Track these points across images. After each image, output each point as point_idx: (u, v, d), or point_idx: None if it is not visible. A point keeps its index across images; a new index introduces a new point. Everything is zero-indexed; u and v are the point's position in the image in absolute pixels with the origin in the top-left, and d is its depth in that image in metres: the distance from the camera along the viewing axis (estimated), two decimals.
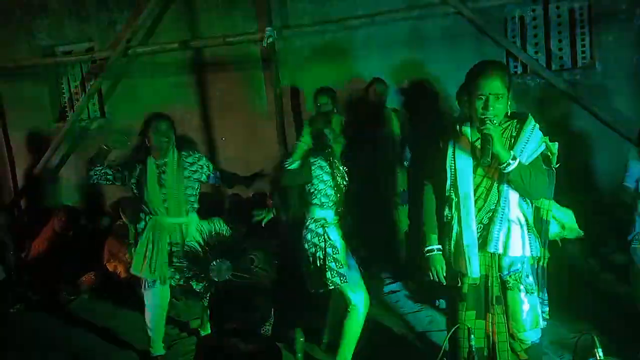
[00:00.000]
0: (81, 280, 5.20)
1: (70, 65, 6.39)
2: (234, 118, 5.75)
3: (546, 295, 2.61)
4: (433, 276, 2.65)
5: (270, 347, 1.57)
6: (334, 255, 3.20)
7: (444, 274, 2.63)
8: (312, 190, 3.26)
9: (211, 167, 3.79)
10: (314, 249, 3.22)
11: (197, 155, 3.73)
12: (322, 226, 3.24)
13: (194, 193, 3.68)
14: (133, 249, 5.01)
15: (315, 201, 3.26)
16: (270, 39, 5.20)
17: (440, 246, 2.65)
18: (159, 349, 3.76)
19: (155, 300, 3.68)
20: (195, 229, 3.50)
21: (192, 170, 3.67)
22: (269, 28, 5.19)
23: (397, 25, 5.08)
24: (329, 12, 5.25)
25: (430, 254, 2.65)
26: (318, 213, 3.27)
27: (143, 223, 3.63)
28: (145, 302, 3.72)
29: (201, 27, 5.68)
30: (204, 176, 3.72)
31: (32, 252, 5.36)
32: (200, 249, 2.70)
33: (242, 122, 5.72)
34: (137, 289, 4.82)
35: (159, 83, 5.91)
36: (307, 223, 3.28)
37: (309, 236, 3.25)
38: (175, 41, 5.64)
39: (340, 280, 3.17)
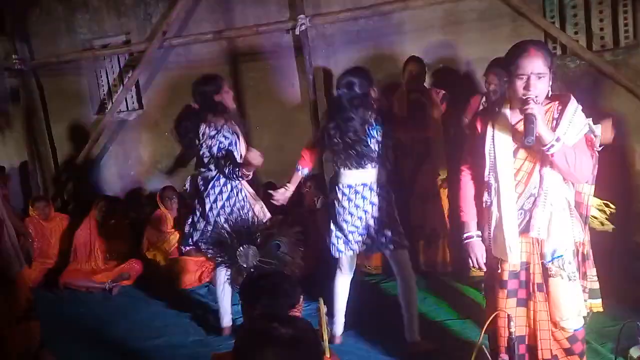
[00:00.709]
0: (122, 268, 5.34)
1: (108, 59, 6.52)
2: (268, 107, 5.78)
3: (596, 285, 2.55)
4: (473, 263, 2.62)
5: (308, 331, 1.57)
6: None
7: (484, 261, 2.60)
8: None
9: None
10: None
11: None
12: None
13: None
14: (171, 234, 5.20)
15: None
16: (303, 27, 5.20)
17: (479, 232, 2.61)
18: (227, 320, 3.92)
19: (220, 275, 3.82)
20: None
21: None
22: (301, 16, 5.19)
23: (431, 10, 4.99)
24: None
25: (469, 240, 2.63)
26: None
27: None
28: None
29: (235, 17, 5.70)
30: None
31: (74, 242, 5.52)
32: (227, 236, 2.74)
33: (276, 111, 5.74)
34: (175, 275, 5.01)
35: (194, 74, 5.94)
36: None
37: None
38: (209, 32, 5.69)
39: None
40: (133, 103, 6.53)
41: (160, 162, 6.31)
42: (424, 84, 4.72)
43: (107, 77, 6.61)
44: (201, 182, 3.80)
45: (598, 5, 4.71)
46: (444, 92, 4.55)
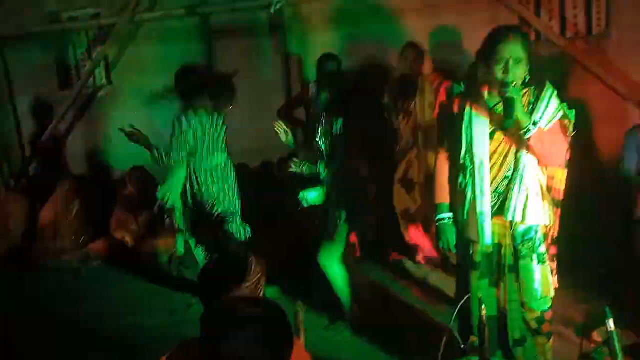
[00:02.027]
0: (90, 247, 5.24)
1: (76, 32, 6.31)
2: (241, 86, 5.68)
3: (555, 264, 2.60)
4: (444, 245, 2.65)
5: (276, 309, 1.56)
6: None
7: (455, 243, 2.62)
8: None
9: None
10: None
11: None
12: None
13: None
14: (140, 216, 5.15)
15: None
16: (279, 6, 5.11)
17: (451, 214, 2.63)
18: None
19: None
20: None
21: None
22: None
23: None
24: None
25: (441, 222, 2.64)
26: None
27: None
28: None
29: None
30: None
31: (40, 220, 5.39)
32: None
33: (250, 91, 5.65)
34: (144, 257, 4.95)
35: (165, 50, 5.83)
36: None
37: None
38: (182, 7, 5.55)
39: None
40: (102, 79, 6.35)
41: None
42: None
43: (75, 51, 6.41)
44: None
45: None
46: (445, 81, 4.36)
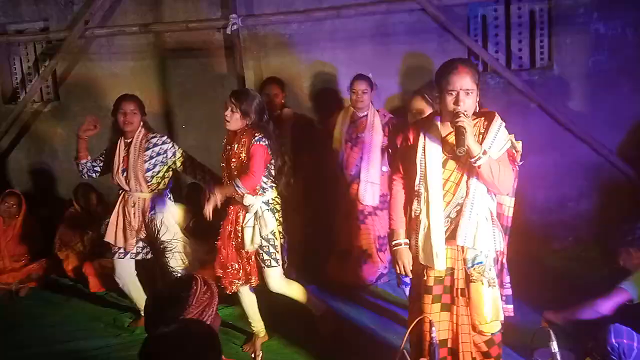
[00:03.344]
0: (30, 269, 5.03)
1: (23, 45, 6.12)
2: (195, 106, 5.65)
3: (509, 291, 2.69)
4: (400, 269, 2.70)
5: (200, 330, 1.58)
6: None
7: (411, 268, 2.68)
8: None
9: (177, 154, 3.92)
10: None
11: (162, 139, 3.90)
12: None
13: (156, 173, 3.84)
14: (86, 234, 4.98)
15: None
16: (235, 27, 5.13)
17: (407, 240, 2.70)
18: None
19: (123, 271, 3.88)
20: (159, 206, 3.84)
21: (156, 152, 3.83)
22: (233, 15, 5.12)
23: (363, 19, 5.09)
24: (294, 3, 5.21)
25: (398, 247, 2.70)
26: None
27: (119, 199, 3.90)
28: (117, 274, 3.92)
29: (164, 12, 5.53)
30: (169, 161, 3.87)
31: None
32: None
33: (204, 110, 5.63)
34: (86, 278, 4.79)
35: (117, 67, 5.73)
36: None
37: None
38: (136, 24, 5.48)
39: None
40: (49, 94, 6.17)
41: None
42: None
43: (21, 65, 6.21)
44: None
45: (518, 27, 5.00)
46: (390, 116, 4.47)
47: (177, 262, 3.70)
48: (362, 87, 4.32)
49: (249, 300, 3.59)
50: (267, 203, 3.40)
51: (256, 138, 3.31)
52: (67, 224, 5.21)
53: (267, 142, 3.33)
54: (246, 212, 3.40)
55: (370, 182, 4.31)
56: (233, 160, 3.38)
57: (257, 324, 3.65)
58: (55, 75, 5.95)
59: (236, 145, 3.38)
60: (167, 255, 3.55)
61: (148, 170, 3.79)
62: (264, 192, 3.40)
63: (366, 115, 4.39)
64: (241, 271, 3.46)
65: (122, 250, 3.87)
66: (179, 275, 3.54)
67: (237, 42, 5.22)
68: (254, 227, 3.37)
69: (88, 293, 4.73)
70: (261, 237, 3.37)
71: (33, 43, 6.07)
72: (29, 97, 5.85)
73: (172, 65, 5.65)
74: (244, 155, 3.34)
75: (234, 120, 3.38)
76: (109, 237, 3.89)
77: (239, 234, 3.43)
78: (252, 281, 3.48)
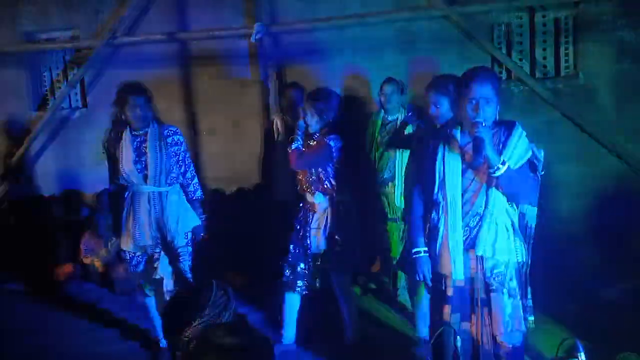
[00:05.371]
0: (58, 272, 5.13)
1: (53, 53, 6.27)
2: (219, 113, 5.72)
3: (530, 302, 2.66)
4: (420, 278, 2.70)
5: (256, 340, 1.55)
6: None
7: (430, 276, 2.67)
8: None
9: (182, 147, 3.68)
10: None
11: (174, 129, 3.67)
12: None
13: (183, 164, 3.64)
14: (110, 240, 5.03)
15: None
16: (259, 35, 5.18)
17: (426, 248, 2.69)
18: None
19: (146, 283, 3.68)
20: (175, 203, 3.56)
21: (174, 142, 3.61)
22: (257, 23, 5.17)
23: (386, 27, 5.10)
24: (318, 10, 5.24)
25: (417, 255, 2.70)
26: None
27: (123, 203, 3.60)
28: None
29: (189, 20, 5.63)
30: (181, 153, 3.63)
31: None
32: None
33: (228, 117, 5.69)
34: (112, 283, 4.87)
35: (143, 75, 5.81)
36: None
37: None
38: (161, 33, 5.58)
39: None
40: (77, 101, 6.31)
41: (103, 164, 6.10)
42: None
43: (51, 73, 6.36)
44: None
45: (542, 35, 4.95)
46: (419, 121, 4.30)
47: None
48: (391, 90, 4.35)
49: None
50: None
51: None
52: (92, 231, 5.31)
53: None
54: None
55: None
56: None
57: None
58: (83, 83, 6.08)
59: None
60: (181, 260, 3.61)
61: (170, 162, 3.54)
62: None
63: (397, 119, 4.40)
64: None
65: (135, 261, 3.63)
66: (193, 279, 3.58)
67: (261, 50, 5.28)
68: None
69: (114, 298, 4.80)
70: None
71: (62, 51, 6.21)
72: (57, 104, 5.98)
73: (197, 72, 5.73)
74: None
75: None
76: (126, 245, 3.60)
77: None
78: None
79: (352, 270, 3.71)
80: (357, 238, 3.59)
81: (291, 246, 3.63)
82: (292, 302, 3.64)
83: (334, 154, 3.46)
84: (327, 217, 3.52)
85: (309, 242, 3.55)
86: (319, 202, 3.54)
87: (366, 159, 4.49)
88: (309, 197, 3.59)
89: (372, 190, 4.50)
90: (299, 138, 3.51)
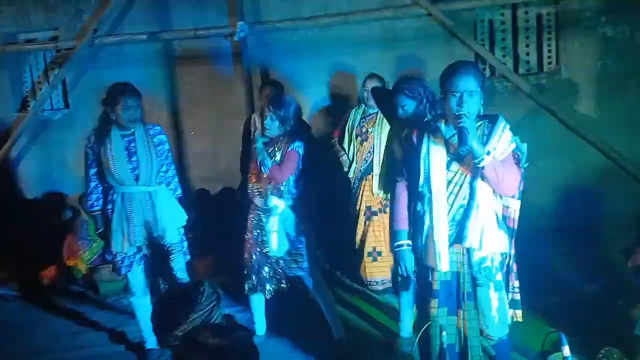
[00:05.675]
0: (42, 275, 5.05)
1: (33, 54, 6.19)
2: (203, 113, 5.69)
3: (518, 296, 2.65)
4: (402, 271, 2.69)
5: (241, 340, 1.53)
6: None
7: (413, 269, 2.67)
8: None
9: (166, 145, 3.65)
10: None
11: (159, 127, 3.66)
12: None
13: (165, 162, 3.61)
14: (94, 242, 4.96)
15: None
16: (242, 34, 5.15)
17: (410, 241, 2.68)
18: (152, 341, 3.60)
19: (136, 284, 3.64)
20: (166, 201, 3.55)
21: (160, 141, 3.59)
22: (240, 22, 5.14)
23: (370, 25, 5.11)
24: (301, 9, 5.23)
25: (400, 249, 2.69)
26: None
27: (110, 204, 3.53)
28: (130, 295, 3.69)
29: (172, 20, 5.58)
30: (165, 152, 3.61)
31: None
32: None
33: (212, 117, 5.66)
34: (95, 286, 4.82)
35: (126, 75, 5.74)
36: None
37: None
38: (144, 32, 5.53)
39: None
40: (58, 102, 6.23)
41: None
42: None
43: (31, 74, 6.28)
44: None
45: (525, 31, 4.99)
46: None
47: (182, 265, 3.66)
48: (373, 85, 4.35)
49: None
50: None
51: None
52: (76, 233, 5.24)
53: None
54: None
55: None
56: None
57: None
58: (65, 84, 6.01)
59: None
60: (177, 256, 3.58)
61: (158, 161, 3.53)
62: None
63: (377, 112, 4.41)
64: None
65: (127, 262, 3.58)
66: (184, 279, 3.55)
67: (245, 49, 5.25)
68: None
69: (97, 300, 4.75)
70: None
71: (43, 52, 6.13)
72: (38, 106, 5.90)
73: (181, 72, 5.69)
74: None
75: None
76: (119, 247, 3.52)
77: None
78: None
79: (320, 269, 3.67)
80: (318, 237, 3.58)
81: (252, 251, 3.57)
82: (259, 300, 3.70)
83: (300, 164, 3.44)
84: (282, 219, 3.47)
85: (267, 246, 3.50)
86: (273, 205, 3.47)
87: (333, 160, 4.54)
88: (259, 201, 3.52)
89: (340, 185, 4.53)
90: (263, 153, 3.44)
